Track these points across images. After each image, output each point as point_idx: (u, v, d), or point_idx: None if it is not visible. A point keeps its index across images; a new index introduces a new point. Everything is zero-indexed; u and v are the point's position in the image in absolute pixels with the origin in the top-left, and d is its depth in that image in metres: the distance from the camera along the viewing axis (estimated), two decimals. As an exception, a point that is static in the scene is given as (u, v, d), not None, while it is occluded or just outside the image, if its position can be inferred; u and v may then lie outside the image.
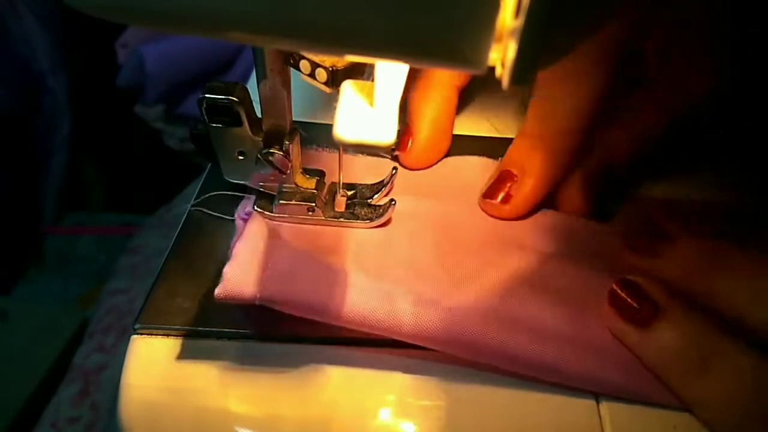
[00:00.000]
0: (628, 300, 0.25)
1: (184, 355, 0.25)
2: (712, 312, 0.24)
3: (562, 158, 0.31)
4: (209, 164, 0.32)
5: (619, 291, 0.26)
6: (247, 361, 0.25)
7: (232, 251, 0.26)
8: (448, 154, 0.35)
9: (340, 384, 0.25)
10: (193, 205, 0.31)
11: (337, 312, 0.25)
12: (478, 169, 0.34)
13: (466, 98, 0.38)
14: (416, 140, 0.33)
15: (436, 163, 0.35)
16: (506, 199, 0.31)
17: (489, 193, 0.32)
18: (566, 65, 0.28)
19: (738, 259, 0.25)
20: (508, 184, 0.31)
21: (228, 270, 0.25)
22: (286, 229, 0.29)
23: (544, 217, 0.31)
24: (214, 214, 0.30)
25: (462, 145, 0.35)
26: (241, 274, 0.25)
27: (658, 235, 0.28)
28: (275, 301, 0.25)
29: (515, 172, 0.31)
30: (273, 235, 0.28)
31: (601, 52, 0.29)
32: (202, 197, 0.31)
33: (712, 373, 0.23)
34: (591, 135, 0.31)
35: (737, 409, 0.23)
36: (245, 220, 0.29)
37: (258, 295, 0.24)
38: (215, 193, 0.31)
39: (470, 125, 0.37)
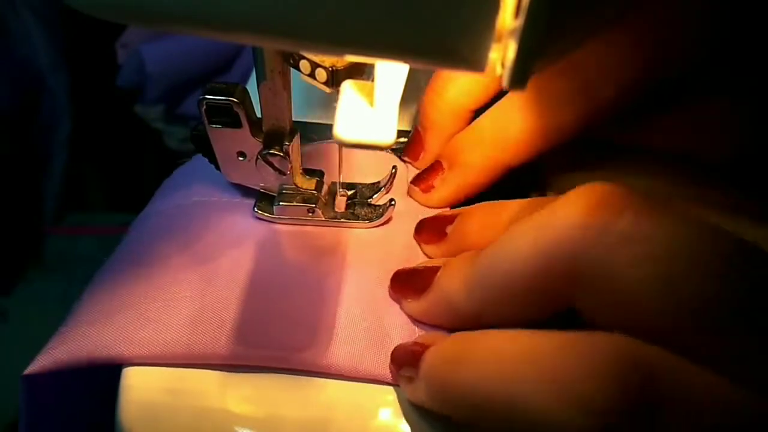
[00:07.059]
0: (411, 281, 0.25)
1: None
2: None
3: (501, 159, 0.28)
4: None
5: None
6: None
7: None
8: None
9: (340, 384, 0.25)
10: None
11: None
12: None
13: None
14: (429, 153, 0.31)
15: None
16: (427, 189, 0.30)
17: (414, 180, 0.31)
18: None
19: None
20: (436, 175, 0.30)
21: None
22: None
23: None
24: None
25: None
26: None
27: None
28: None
29: (444, 165, 0.30)
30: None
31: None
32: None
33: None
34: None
35: None
36: None
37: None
38: None
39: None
